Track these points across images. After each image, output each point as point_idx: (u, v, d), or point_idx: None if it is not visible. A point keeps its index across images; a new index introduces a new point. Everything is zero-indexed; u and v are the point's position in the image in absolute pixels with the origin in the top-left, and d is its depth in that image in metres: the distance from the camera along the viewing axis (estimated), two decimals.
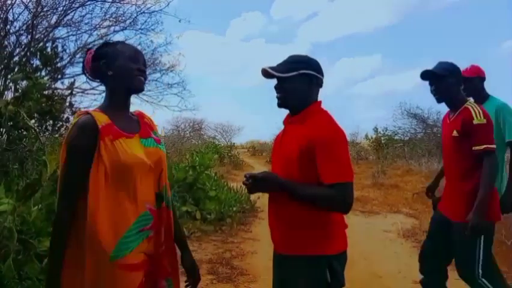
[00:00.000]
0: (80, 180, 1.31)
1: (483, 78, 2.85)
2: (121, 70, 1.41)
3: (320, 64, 1.68)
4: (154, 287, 1.41)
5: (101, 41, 6.39)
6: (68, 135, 1.36)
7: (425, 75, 2.38)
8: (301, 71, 1.62)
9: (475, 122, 2.21)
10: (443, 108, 2.71)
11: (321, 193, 1.51)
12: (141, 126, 1.47)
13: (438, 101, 2.40)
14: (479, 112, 2.23)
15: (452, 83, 2.32)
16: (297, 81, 1.62)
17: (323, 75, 1.68)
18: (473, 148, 2.21)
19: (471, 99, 2.46)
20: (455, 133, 2.29)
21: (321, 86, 1.70)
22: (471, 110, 2.26)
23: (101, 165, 1.30)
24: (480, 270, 2.22)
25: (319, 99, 1.69)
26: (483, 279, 2.23)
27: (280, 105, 1.68)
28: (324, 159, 1.50)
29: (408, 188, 9.68)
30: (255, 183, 1.56)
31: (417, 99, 19.55)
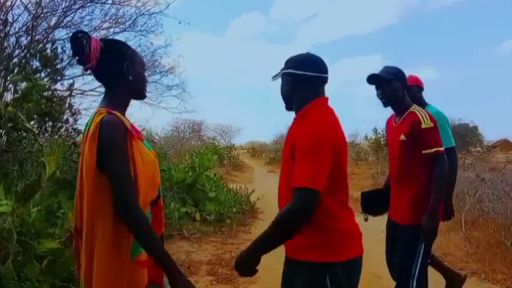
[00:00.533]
0: None
1: (421, 88, 2.95)
2: (140, 78, 1.43)
3: (308, 60, 1.60)
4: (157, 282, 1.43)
5: None
6: (106, 133, 1.27)
7: (371, 79, 2.39)
8: (283, 71, 1.63)
9: (423, 126, 2.22)
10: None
11: (276, 218, 1.42)
12: (135, 129, 1.48)
13: (385, 104, 2.41)
14: (425, 116, 2.26)
15: (397, 86, 2.34)
16: (283, 82, 1.63)
17: (312, 71, 1.57)
18: (424, 152, 2.23)
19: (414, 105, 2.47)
20: (402, 137, 2.30)
21: (311, 82, 1.57)
22: (418, 114, 2.28)
23: (132, 165, 1.30)
24: (416, 273, 2.26)
25: (326, 97, 1.62)
26: (414, 282, 2.27)
27: (285, 107, 1.69)
28: (296, 161, 1.44)
29: None
30: (238, 270, 1.59)
31: None
